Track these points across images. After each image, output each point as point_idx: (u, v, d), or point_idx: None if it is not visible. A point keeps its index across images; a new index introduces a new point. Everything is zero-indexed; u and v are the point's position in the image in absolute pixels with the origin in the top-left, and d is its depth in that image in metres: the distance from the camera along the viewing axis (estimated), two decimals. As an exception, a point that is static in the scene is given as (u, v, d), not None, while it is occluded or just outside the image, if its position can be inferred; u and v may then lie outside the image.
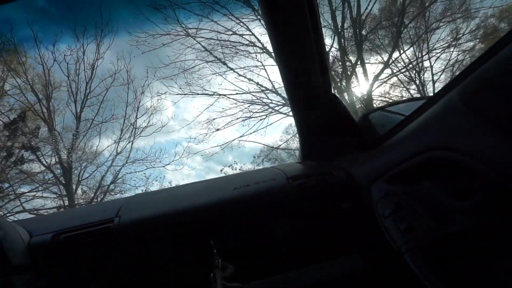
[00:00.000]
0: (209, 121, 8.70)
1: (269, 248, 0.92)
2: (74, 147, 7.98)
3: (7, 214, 7.59)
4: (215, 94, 8.66)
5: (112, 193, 8.27)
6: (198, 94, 8.62)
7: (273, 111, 8.78)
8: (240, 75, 8.54)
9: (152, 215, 0.88)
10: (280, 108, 8.76)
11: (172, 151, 9.45)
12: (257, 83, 8.51)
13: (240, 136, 8.91)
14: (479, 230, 0.64)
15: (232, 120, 8.75)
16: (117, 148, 8.28)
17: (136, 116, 8.54)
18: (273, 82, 8.53)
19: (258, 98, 8.73)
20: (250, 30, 8.17)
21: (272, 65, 8.47)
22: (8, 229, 0.79)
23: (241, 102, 8.72)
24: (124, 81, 8.50)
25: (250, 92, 8.65)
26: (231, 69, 8.49)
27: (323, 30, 0.95)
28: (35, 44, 7.61)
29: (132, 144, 8.34)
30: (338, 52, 8.55)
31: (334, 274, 0.89)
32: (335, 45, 8.38)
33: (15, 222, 0.90)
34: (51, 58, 7.92)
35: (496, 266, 0.63)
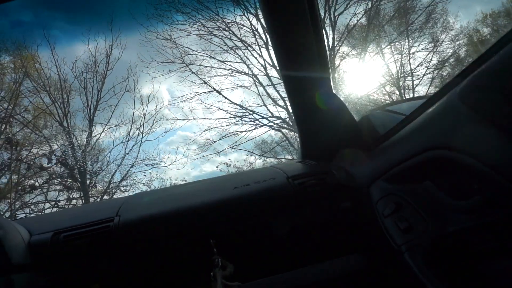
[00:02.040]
0: (206, 130, 9.41)
1: (269, 247, 0.92)
2: (88, 147, 8.80)
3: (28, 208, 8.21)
4: (212, 106, 9.40)
5: (122, 189, 9.13)
6: (198, 119, 9.51)
7: (261, 125, 9.51)
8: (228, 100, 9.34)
9: (152, 215, 0.88)
10: (268, 123, 9.50)
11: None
12: (246, 108, 9.36)
13: (232, 144, 9.49)
14: (479, 230, 0.64)
15: (226, 134, 9.47)
16: (125, 149, 9.15)
17: (143, 121, 9.41)
18: (262, 96, 9.28)
19: (249, 112, 9.50)
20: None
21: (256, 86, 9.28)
22: (8, 228, 0.79)
23: (233, 115, 9.46)
24: (130, 87, 9.40)
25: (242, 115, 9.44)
26: (221, 94, 9.26)
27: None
28: (52, 55, 8.56)
29: (140, 146, 9.19)
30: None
31: (334, 273, 0.89)
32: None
33: (15, 221, 0.90)
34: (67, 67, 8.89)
35: (496, 266, 0.63)
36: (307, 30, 0.86)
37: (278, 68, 1.01)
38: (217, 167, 9.58)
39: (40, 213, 8.12)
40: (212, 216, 0.88)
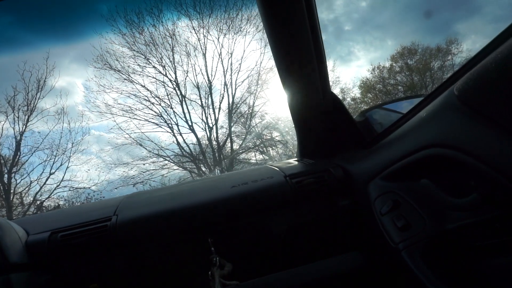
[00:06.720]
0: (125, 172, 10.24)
1: (267, 246, 0.92)
2: (13, 165, 9.64)
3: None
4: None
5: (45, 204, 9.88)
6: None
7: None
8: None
9: (150, 214, 0.87)
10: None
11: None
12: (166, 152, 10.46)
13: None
14: (476, 227, 0.64)
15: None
16: (50, 170, 9.96)
17: (72, 144, 10.26)
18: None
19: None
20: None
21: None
22: (5, 227, 0.79)
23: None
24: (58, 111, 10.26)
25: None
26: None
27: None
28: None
29: (66, 168, 10.08)
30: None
31: (332, 271, 0.89)
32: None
33: (12, 220, 0.90)
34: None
35: (494, 263, 0.63)
36: (305, 28, 0.86)
37: (276, 68, 1.00)
38: (134, 185, 10.19)
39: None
40: (210, 215, 0.88)
